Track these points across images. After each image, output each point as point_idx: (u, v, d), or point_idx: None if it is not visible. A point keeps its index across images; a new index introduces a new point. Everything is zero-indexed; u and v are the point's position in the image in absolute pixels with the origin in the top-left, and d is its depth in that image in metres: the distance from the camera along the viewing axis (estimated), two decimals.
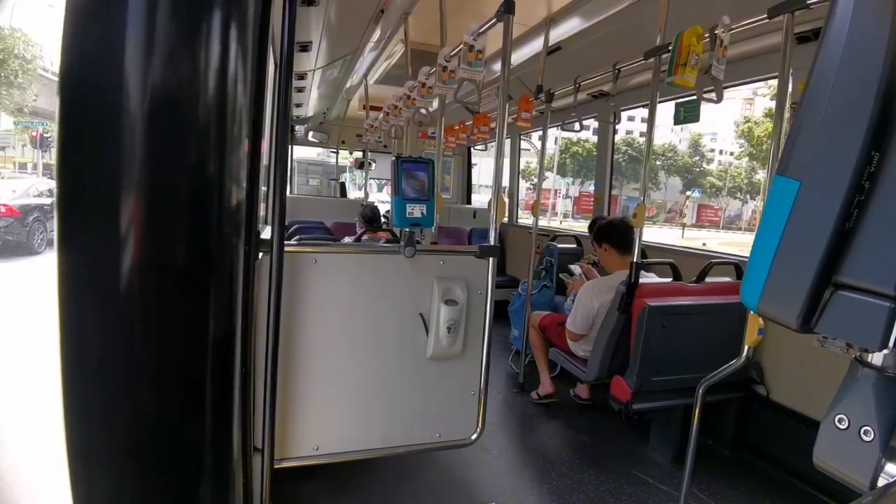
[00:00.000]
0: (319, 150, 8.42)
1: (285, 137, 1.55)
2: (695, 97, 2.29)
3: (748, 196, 38.32)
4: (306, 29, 3.37)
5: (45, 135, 19.15)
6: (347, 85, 5.10)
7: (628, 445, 2.79)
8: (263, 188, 2.18)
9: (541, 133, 3.71)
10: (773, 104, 2.09)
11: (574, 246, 4.28)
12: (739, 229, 35.59)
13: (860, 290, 0.47)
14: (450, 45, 2.47)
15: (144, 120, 0.95)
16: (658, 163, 37.83)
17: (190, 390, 1.08)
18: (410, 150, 4.45)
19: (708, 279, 2.65)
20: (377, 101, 5.00)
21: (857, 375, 0.53)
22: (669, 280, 2.73)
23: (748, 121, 35.65)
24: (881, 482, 0.49)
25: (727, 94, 2.62)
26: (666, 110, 2.86)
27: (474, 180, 8.02)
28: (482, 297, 1.96)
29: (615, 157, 4.55)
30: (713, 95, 2.25)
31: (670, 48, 2.17)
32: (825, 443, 0.53)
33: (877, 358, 0.52)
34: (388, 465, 2.39)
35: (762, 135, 31.04)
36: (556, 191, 35.12)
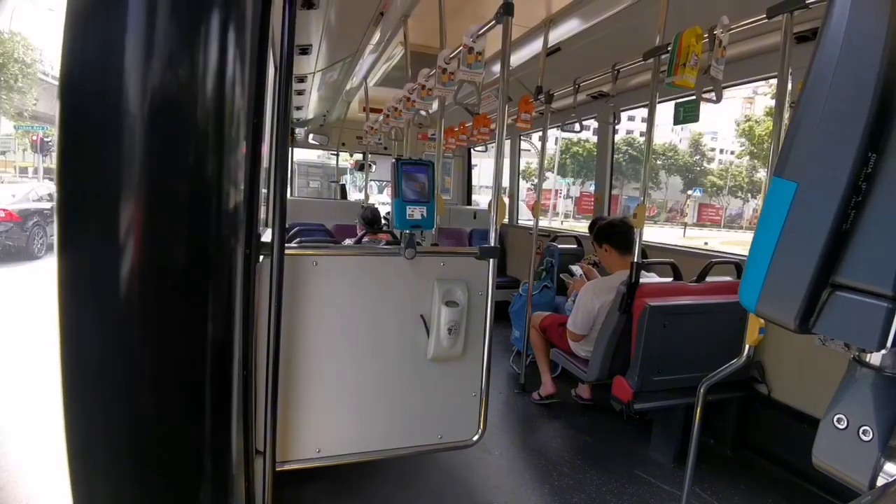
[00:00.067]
0: (320, 152, 8.43)
1: (285, 140, 1.55)
2: (694, 97, 2.29)
3: (749, 195, 38.29)
4: (306, 32, 3.38)
5: (45, 139, 19.15)
6: (347, 87, 5.11)
7: (630, 445, 2.79)
8: (264, 191, 2.18)
9: (541, 133, 3.72)
10: (773, 103, 2.09)
11: (574, 246, 4.28)
12: (741, 228, 35.56)
13: (858, 291, 0.47)
14: (449, 47, 2.47)
15: (144, 123, 0.95)
16: (659, 162, 37.83)
17: (189, 393, 1.08)
18: (411, 151, 4.45)
19: (708, 279, 2.65)
20: (377, 104, 5.01)
21: (856, 375, 0.53)
22: (670, 280, 2.73)
23: (749, 119, 35.65)
24: (880, 481, 0.49)
25: (727, 93, 2.63)
26: (666, 110, 2.86)
27: (475, 181, 8.03)
28: (483, 298, 1.96)
29: (615, 157, 4.55)
30: (712, 95, 2.25)
31: (669, 49, 2.17)
32: (824, 442, 0.53)
33: (875, 358, 0.52)
34: (390, 467, 2.39)
35: (763, 133, 31.02)
36: (556, 191, 35.13)
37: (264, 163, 1.70)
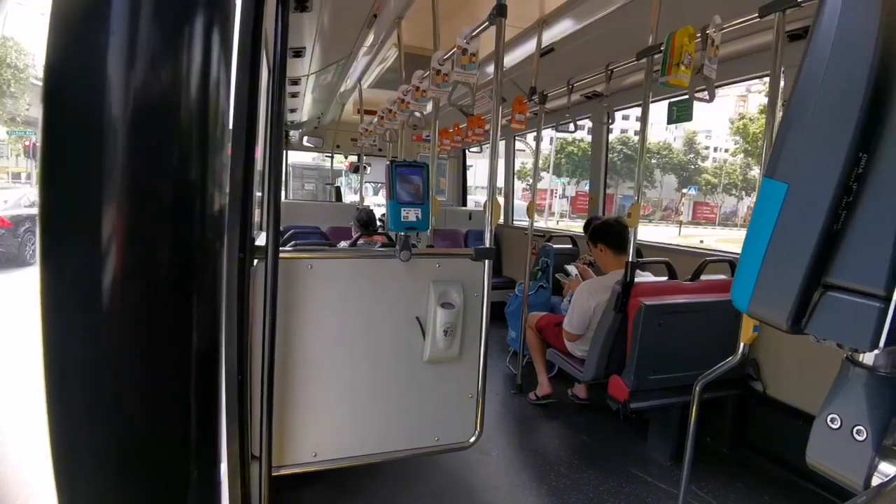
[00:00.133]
0: (315, 154, 8.40)
1: (279, 143, 1.55)
2: (687, 96, 2.30)
3: (743, 192, 38.43)
4: (299, 35, 3.37)
5: (38, 144, 19.02)
6: (341, 89, 5.10)
7: (627, 444, 2.79)
8: (258, 194, 2.18)
9: (536, 133, 3.72)
10: (766, 100, 2.10)
11: (570, 246, 4.28)
12: (735, 225, 35.69)
13: (849, 291, 0.47)
14: (443, 49, 2.47)
15: (127, 127, 0.94)
16: (653, 161, 37.94)
17: (174, 399, 1.07)
18: (405, 153, 4.45)
19: (703, 277, 2.66)
20: (371, 105, 5.00)
21: (849, 375, 0.53)
22: (665, 279, 2.74)
23: (743, 117, 35.79)
24: (875, 481, 0.49)
25: (720, 91, 2.64)
26: (660, 109, 2.87)
27: (470, 182, 8.02)
28: (478, 299, 1.96)
29: (610, 156, 4.55)
30: (705, 94, 2.26)
31: (662, 48, 2.18)
32: (818, 442, 0.53)
33: (868, 357, 0.52)
34: (390, 468, 2.39)
35: (757, 131, 31.16)
36: (552, 191, 35.19)
37: (258, 165, 1.70)
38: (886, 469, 0.49)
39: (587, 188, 4.68)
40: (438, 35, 2.69)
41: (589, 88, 3.90)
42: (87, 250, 0.95)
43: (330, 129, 6.81)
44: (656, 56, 2.32)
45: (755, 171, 34.77)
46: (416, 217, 1.79)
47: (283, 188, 6.88)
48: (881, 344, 0.45)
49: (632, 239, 2.54)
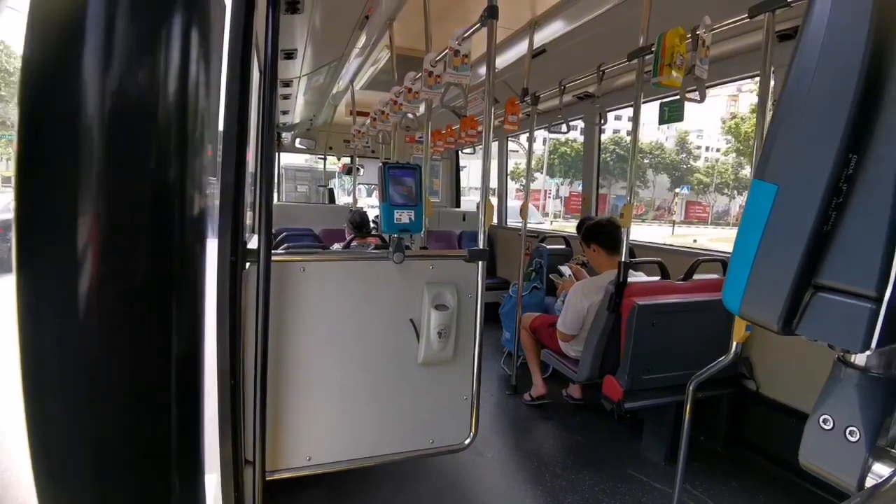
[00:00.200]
0: (307, 156, 8.38)
1: (271, 145, 1.54)
2: (678, 97, 2.31)
3: (735, 192, 38.65)
4: (291, 36, 3.36)
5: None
6: (334, 91, 5.09)
7: (622, 444, 2.80)
8: (250, 197, 2.16)
9: (528, 134, 3.72)
10: (757, 100, 2.11)
11: (563, 247, 4.29)
12: (728, 224, 35.88)
13: (840, 292, 0.47)
14: (435, 50, 2.47)
15: (104, 130, 0.92)
16: (646, 161, 38.08)
17: (153, 406, 1.05)
18: (398, 154, 4.44)
19: (695, 276, 2.67)
20: (364, 107, 5.00)
21: (841, 376, 0.53)
22: (658, 279, 2.75)
23: (734, 117, 36.00)
24: (869, 482, 0.49)
25: (711, 91, 2.65)
26: (652, 109, 2.88)
27: (464, 183, 8.02)
28: (473, 300, 1.96)
29: (603, 156, 4.57)
30: (696, 95, 2.27)
31: (653, 49, 2.19)
32: (811, 443, 0.53)
33: (860, 358, 0.51)
34: (387, 471, 2.38)
35: (749, 130, 31.36)
36: (545, 191, 35.26)
37: (250, 167, 1.69)
38: (880, 470, 0.48)
39: (580, 188, 4.69)
40: (430, 36, 2.69)
41: (581, 89, 3.92)
42: (67, 255, 0.94)
43: (322, 131, 6.80)
44: (647, 57, 2.33)
45: (746, 171, 34.97)
46: (410, 219, 1.79)
47: (275, 190, 6.85)
48: (873, 345, 0.45)
49: (625, 239, 2.55)
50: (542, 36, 3.40)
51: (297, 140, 6.84)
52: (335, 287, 1.78)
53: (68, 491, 1.01)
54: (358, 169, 6.41)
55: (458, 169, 7.15)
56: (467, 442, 2.03)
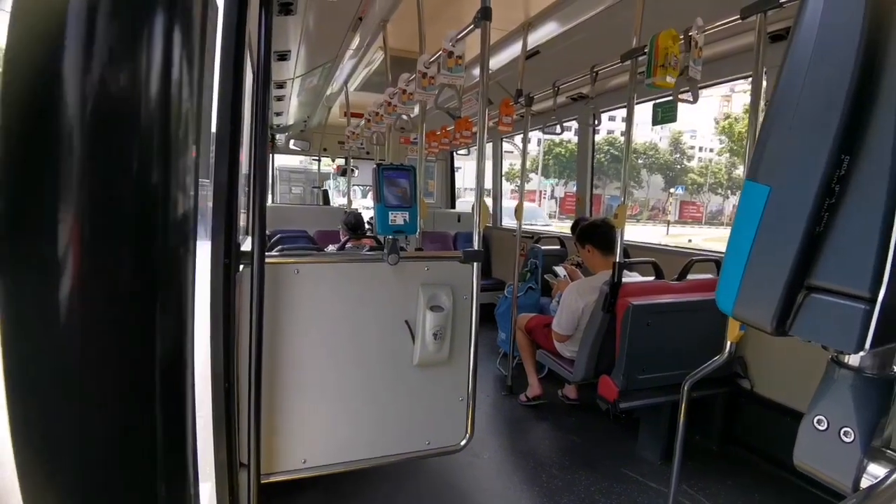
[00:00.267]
0: (302, 157, 8.36)
1: (264, 146, 1.54)
2: (671, 98, 2.32)
3: (729, 192, 38.82)
4: (284, 38, 3.35)
5: None
6: (328, 92, 5.08)
7: (617, 444, 2.80)
8: (244, 198, 2.15)
9: (523, 135, 3.73)
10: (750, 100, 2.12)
11: (558, 247, 4.30)
12: (722, 224, 36.02)
13: (833, 293, 0.46)
14: (429, 52, 2.47)
15: (86, 131, 0.91)
16: (640, 161, 38.21)
17: (137, 411, 1.04)
18: (393, 156, 4.44)
19: (689, 276, 2.67)
20: (358, 108, 4.99)
21: (835, 376, 0.53)
22: (652, 279, 2.76)
23: (728, 117, 36.17)
24: (864, 483, 0.49)
25: (704, 91, 2.66)
26: (645, 110, 2.89)
27: (459, 184, 8.02)
28: (468, 301, 1.96)
29: (598, 157, 4.58)
30: (689, 96, 2.28)
31: (646, 50, 2.20)
32: (805, 444, 0.53)
33: (854, 359, 0.51)
34: (384, 473, 2.38)
35: (743, 130, 31.50)
36: (540, 192, 35.30)
37: (243, 169, 1.68)
38: (875, 471, 0.48)
39: (575, 189, 4.70)
40: (424, 38, 2.69)
41: (575, 90, 3.92)
42: (47, 258, 0.92)
43: (317, 132, 6.78)
44: (640, 58, 2.34)
45: (740, 170, 35.09)
46: (404, 220, 1.79)
47: (269, 192, 6.83)
48: (867, 346, 0.45)
49: (619, 239, 2.55)
50: (536, 37, 3.41)
51: (292, 141, 6.83)
52: (330, 289, 1.77)
53: (52, 498, 0.99)
54: (352, 170, 6.40)
55: (452, 170, 7.15)
56: (463, 443, 2.03)
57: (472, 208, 2.18)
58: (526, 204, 3.64)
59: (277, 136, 6.90)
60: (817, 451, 0.52)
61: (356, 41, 3.51)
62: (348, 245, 3.48)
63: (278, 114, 5.89)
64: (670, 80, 2.14)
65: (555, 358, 2.97)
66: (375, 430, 1.88)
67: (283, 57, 3.76)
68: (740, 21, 2.02)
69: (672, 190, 40.02)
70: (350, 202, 6.50)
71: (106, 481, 1.01)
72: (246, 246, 1.53)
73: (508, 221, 5.87)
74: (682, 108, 2.43)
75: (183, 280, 1.07)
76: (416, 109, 2.89)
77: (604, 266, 2.84)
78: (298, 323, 1.72)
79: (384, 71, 3.46)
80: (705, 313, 2.43)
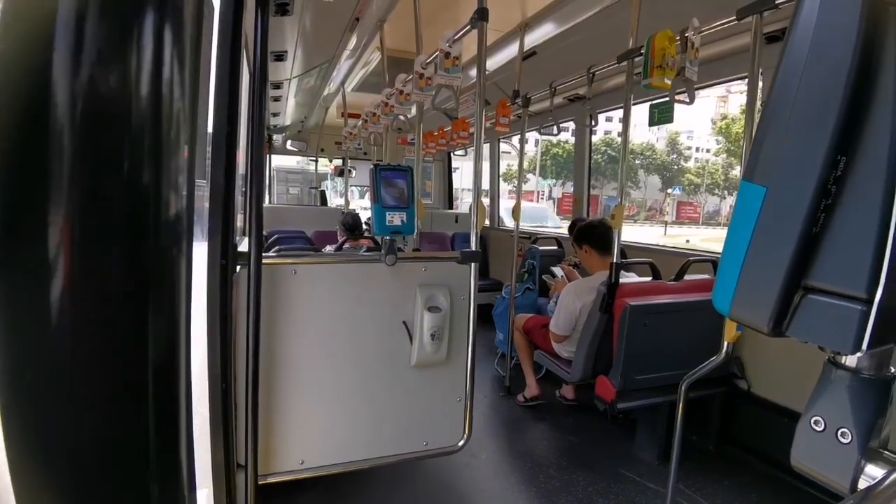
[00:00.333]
0: (299, 158, 8.35)
1: (260, 147, 1.53)
2: (668, 98, 2.32)
3: (726, 192, 38.92)
4: (281, 38, 3.35)
5: None
6: (325, 93, 5.08)
7: (615, 445, 2.80)
8: (241, 199, 2.15)
9: (520, 136, 3.73)
10: (746, 101, 2.13)
11: (555, 248, 4.30)
12: (719, 224, 36.11)
13: (830, 294, 0.46)
14: (426, 53, 2.47)
15: (75, 131, 0.91)
16: (637, 162, 38.28)
17: (129, 413, 1.04)
18: (390, 156, 4.44)
19: (686, 277, 2.68)
20: (355, 109, 4.99)
21: (832, 377, 0.52)
22: (649, 279, 2.76)
23: (725, 117, 36.26)
24: (862, 484, 0.48)
25: (701, 92, 2.66)
26: (642, 111, 2.89)
27: (457, 184, 8.02)
28: (465, 302, 1.96)
29: (595, 157, 4.59)
30: (685, 97, 2.28)
31: (643, 51, 2.20)
32: (802, 445, 0.53)
33: (850, 360, 0.51)
34: (383, 473, 2.38)
35: (740, 131, 31.57)
36: (538, 192, 35.34)
37: (240, 170, 1.68)
38: (873, 472, 0.48)
39: (572, 189, 4.70)
40: (421, 39, 2.69)
41: (571, 91, 3.93)
42: (37, 259, 0.92)
43: (314, 133, 6.78)
44: (637, 59, 2.34)
45: (736, 171, 35.14)
46: (402, 221, 1.79)
47: (266, 192, 6.82)
48: (864, 346, 0.44)
49: (616, 240, 2.56)
50: (533, 38, 3.41)
51: (289, 142, 6.82)
52: (327, 289, 1.77)
53: (46, 498, 0.99)
54: (350, 171, 6.40)
55: (450, 171, 7.16)
56: (461, 443, 2.03)
57: (470, 208, 2.17)
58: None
59: (274, 137, 6.88)
60: (814, 452, 0.52)
61: (353, 42, 3.51)
62: (346, 246, 3.47)
63: (275, 114, 5.88)
64: (667, 81, 2.14)
65: (552, 358, 2.97)
66: (373, 430, 1.88)
67: (280, 57, 3.75)
68: (736, 22, 2.02)
69: (669, 190, 40.10)
70: (347, 203, 6.49)
71: (99, 481, 1.01)
72: (243, 247, 1.53)
73: (510, 223, 5.88)
74: (678, 109, 2.43)
75: (176, 280, 1.06)
76: (414, 110, 2.90)
77: (601, 266, 2.84)
78: (296, 323, 1.72)
79: (381, 71, 3.46)
80: (702, 314, 2.43)
